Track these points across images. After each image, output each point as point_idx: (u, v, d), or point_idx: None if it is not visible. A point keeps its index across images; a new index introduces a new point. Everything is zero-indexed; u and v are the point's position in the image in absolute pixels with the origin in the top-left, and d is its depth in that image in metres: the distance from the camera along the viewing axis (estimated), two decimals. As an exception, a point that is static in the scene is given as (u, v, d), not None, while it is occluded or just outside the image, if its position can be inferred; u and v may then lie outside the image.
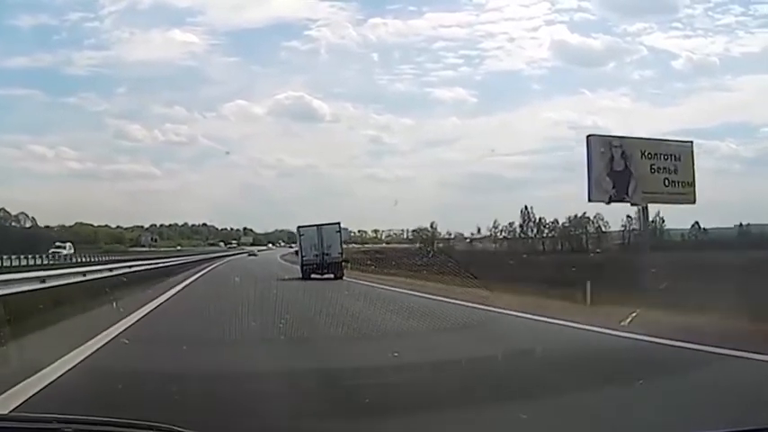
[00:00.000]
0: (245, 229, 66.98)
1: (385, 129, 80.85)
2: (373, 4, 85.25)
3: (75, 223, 59.97)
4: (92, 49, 78.35)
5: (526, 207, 58.74)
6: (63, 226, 58.44)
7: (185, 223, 67.11)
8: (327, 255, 29.10)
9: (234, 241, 68.07)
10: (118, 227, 63.61)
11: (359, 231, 71.34)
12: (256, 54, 79.15)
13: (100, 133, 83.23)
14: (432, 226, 61.05)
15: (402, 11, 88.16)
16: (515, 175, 74.29)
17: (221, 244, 65.88)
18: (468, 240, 58.67)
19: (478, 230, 59.57)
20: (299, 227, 31.62)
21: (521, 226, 59.23)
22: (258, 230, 66.66)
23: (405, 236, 58.61)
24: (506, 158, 75.08)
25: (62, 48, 76.28)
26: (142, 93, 79.51)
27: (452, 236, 60.35)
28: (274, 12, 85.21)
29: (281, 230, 68.45)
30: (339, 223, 31.50)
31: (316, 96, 79.55)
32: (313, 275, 28.12)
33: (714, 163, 61.90)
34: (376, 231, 65.78)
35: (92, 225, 62.24)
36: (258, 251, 60.41)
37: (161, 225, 67.78)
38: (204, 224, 66.15)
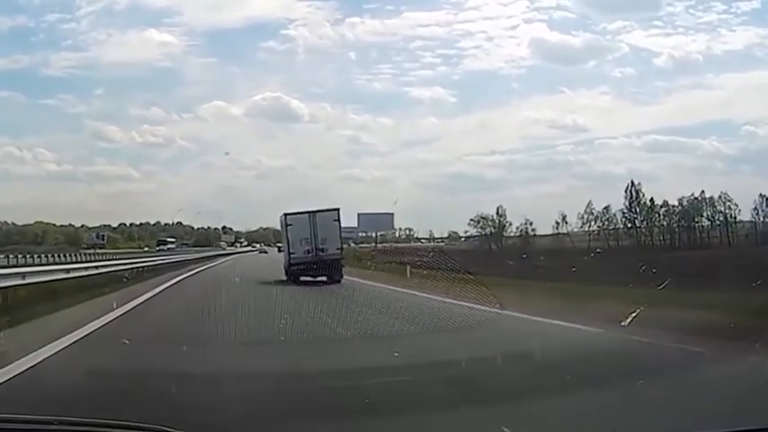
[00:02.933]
0: (223, 227, 64.76)
1: (363, 129, 79.91)
2: (351, 4, 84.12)
3: (36, 222, 57.30)
4: (69, 51, 77.26)
5: (632, 183, 44.29)
6: (5, 223, 55.56)
7: (158, 222, 64.05)
8: (322, 251, 22.70)
9: (171, 240, 59.18)
10: (83, 226, 60.97)
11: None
12: (234, 54, 79.26)
13: (77, 135, 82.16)
14: (498, 212, 47.32)
15: (380, 10, 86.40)
16: (495, 175, 72.73)
17: (227, 244, 60.68)
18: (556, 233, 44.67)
19: (563, 219, 44.85)
20: (284, 214, 24.15)
21: (625, 212, 43.97)
22: (239, 229, 65.44)
23: (396, 234, 51.27)
24: (485, 158, 74.02)
25: (40, 49, 72.11)
26: (120, 94, 78.75)
27: (530, 226, 45.26)
28: (251, 12, 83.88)
29: (266, 228, 66.84)
30: (338, 210, 24.32)
31: (293, 97, 79.32)
32: (303, 278, 21.96)
33: (695, 161, 62.10)
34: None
35: (53, 224, 59.04)
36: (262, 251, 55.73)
37: (131, 224, 64.95)
38: (179, 223, 63.47)
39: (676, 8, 75.85)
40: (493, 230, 47.03)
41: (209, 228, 65.12)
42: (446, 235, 53.00)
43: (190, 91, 75.95)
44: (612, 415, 5.15)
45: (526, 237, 44.82)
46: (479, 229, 48.18)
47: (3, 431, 2.74)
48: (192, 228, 63.93)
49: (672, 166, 64.99)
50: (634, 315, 9.76)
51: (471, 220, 48.03)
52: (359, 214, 33.47)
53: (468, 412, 5.17)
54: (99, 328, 10.61)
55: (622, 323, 9.58)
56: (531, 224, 45.19)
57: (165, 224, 63.61)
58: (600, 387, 6.06)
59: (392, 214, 34.01)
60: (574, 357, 7.99)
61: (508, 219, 46.91)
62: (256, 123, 74.12)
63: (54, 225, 58.03)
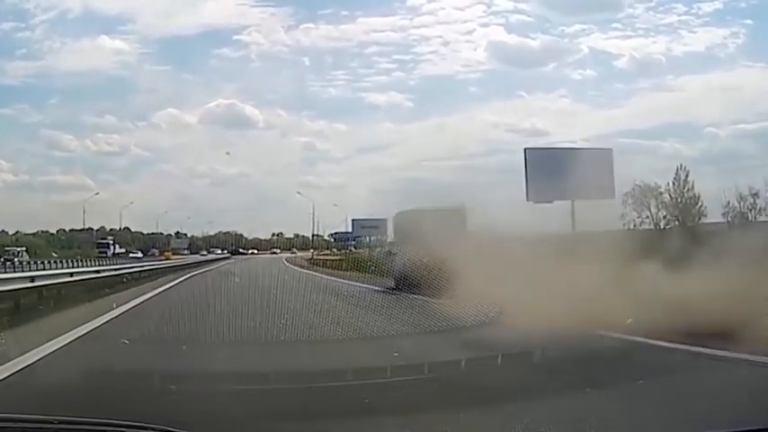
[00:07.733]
0: (177, 233, 61.67)
1: (319, 135, 78.96)
2: (305, 9, 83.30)
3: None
4: (23, 60, 74.50)
5: None
6: None
7: (102, 227, 59.85)
8: None
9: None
10: (17, 232, 57.69)
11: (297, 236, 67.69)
12: (187, 61, 78.06)
13: (32, 144, 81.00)
14: (677, 177, 29.60)
15: (334, 15, 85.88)
16: (453, 180, 73.35)
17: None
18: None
19: (754, 196, 27.47)
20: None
21: None
22: (196, 234, 63.29)
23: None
24: (443, 163, 73.41)
25: (-6, 58, 71.88)
26: (74, 103, 76.87)
27: (752, 201, 26.43)
28: (205, 18, 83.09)
29: (226, 232, 64.11)
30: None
31: (248, 103, 78.49)
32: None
33: (656, 163, 62.92)
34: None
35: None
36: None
37: (71, 230, 60.85)
38: (127, 228, 59.59)
39: (636, 10, 75.29)
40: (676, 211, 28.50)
41: (161, 233, 61.72)
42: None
43: (144, 99, 75.36)
44: None
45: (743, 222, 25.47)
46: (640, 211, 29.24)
47: (3, 430, 2.72)
48: (142, 233, 60.44)
49: (632, 169, 66.33)
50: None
51: (625, 195, 28.28)
52: (526, 148, 23.40)
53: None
54: None
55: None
56: (754, 197, 23.87)
57: (111, 229, 59.73)
58: None
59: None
60: None
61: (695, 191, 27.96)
62: (211, 131, 73.38)
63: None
